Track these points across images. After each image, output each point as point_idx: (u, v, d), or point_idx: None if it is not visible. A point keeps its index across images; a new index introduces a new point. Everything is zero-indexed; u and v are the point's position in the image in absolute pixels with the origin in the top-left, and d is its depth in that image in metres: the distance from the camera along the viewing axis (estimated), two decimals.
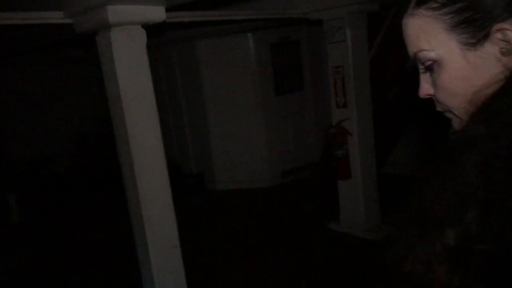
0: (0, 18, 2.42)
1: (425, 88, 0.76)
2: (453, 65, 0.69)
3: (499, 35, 0.65)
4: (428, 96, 0.77)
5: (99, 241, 4.63)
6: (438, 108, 0.76)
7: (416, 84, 0.78)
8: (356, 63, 3.79)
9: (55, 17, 2.59)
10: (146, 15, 2.52)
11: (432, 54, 0.70)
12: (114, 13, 2.38)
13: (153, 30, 2.73)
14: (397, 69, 4.35)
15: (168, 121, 6.30)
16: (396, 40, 3.02)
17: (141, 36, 2.60)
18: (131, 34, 2.55)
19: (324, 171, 4.59)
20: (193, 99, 6.12)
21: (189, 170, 6.27)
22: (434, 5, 0.69)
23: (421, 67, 0.75)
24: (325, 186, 4.56)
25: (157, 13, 2.55)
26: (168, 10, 2.63)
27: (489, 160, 0.60)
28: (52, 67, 6.60)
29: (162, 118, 2.99)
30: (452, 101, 0.72)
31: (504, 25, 0.64)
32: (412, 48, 0.74)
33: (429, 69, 0.73)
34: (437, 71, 0.71)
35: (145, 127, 2.65)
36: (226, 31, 5.47)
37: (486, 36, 0.66)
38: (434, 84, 0.73)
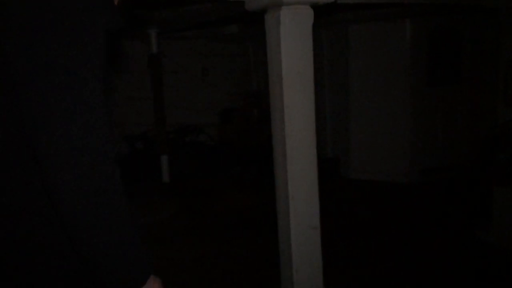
0: None
1: None
2: None
3: None
4: None
5: (235, 210, 4.89)
6: None
7: None
8: None
9: None
10: None
11: None
12: None
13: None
14: None
15: None
16: None
17: (309, 16, 2.61)
18: (299, 14, 2.57)
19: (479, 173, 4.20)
20: (338, 82, 6.04)
21: (324, 154, 6.24)
22: None
23: None
24: (477, 190, 4.16)
25: None
26: None
27: None
28: (206, 43, 7.04)
29: None
30: None
31: None
32: None
33: None
34: None
35: (302, 106, 2.67)
36: (381, 16, 5.25)
37: None
38: None
